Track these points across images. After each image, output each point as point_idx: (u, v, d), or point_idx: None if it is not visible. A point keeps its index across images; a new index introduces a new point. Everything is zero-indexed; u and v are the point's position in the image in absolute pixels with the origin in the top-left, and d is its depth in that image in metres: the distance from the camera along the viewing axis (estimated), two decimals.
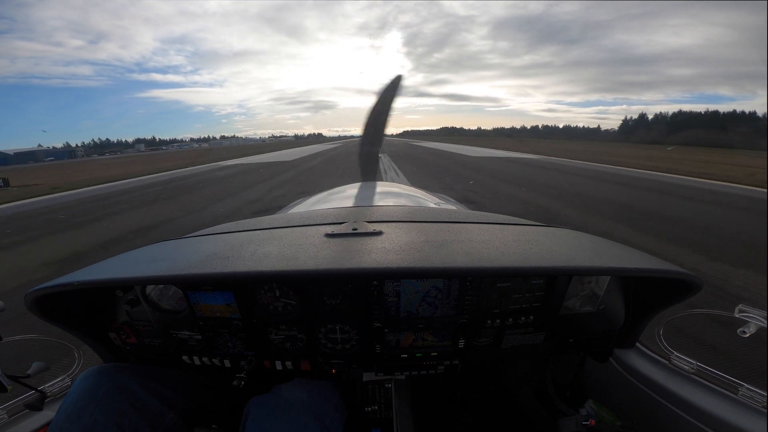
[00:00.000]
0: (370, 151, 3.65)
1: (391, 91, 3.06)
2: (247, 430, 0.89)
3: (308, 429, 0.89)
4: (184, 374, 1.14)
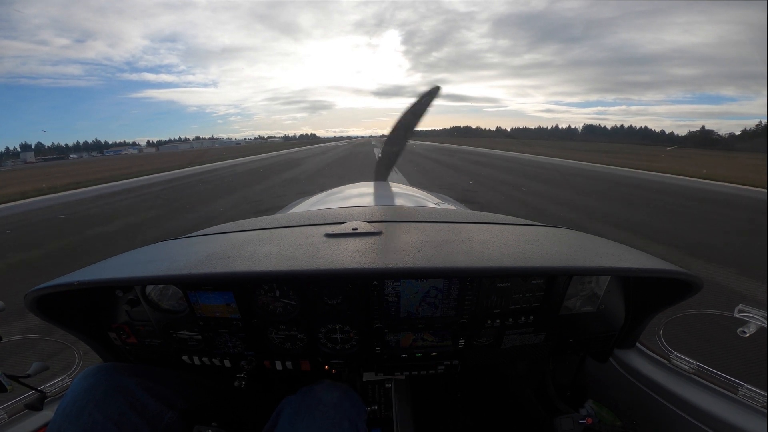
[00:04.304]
0: (392, 151, 3.63)
1: (428, 99, 3.12)
2: (279, 428, 0.90)
3: (343, 430, 0.90)
4: (184, 374, 1.14)
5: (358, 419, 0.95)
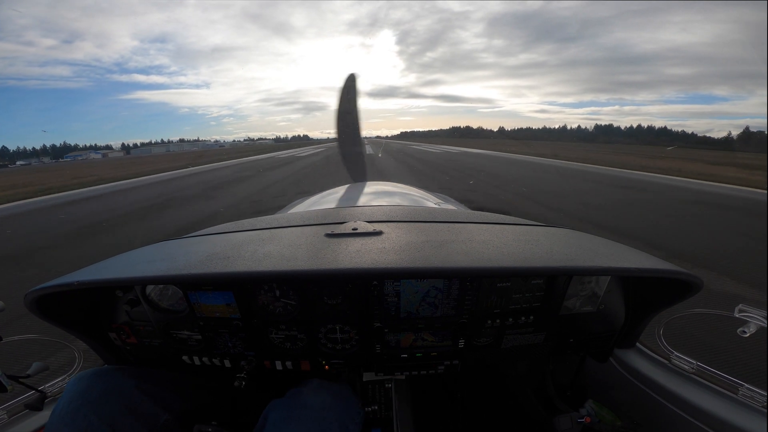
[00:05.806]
0: (354, 151, 3.68)
1: (350, 90, 3.13)
2: None
3: None
4: (181, 375, 1.14)
5: (349, 421, 0.94)
